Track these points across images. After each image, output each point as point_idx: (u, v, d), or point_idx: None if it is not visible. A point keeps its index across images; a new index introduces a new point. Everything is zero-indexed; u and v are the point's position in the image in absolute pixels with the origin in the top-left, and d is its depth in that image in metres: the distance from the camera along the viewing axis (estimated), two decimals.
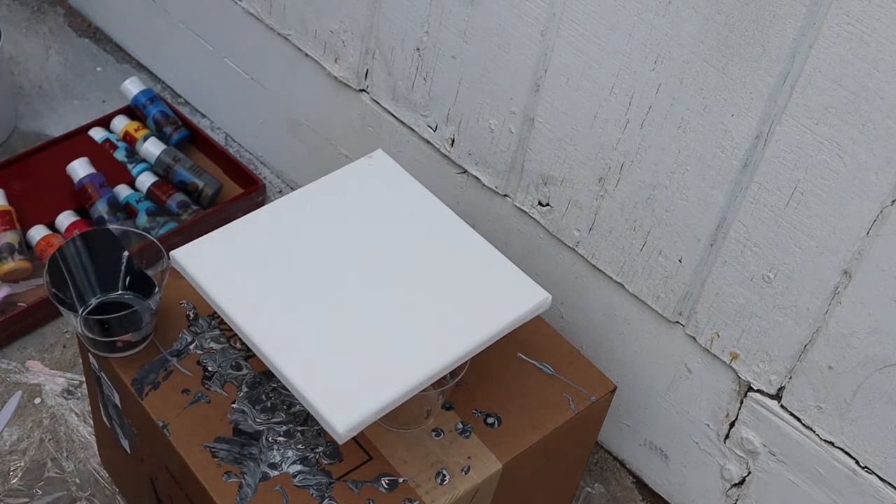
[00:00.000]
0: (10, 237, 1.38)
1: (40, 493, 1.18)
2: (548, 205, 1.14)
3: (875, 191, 0.86)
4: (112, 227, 0.93)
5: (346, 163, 1.08)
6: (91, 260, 0.94)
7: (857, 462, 0.99)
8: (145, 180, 1.48)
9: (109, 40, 1.77)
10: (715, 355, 1.06)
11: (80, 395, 1.27)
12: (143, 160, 1.52)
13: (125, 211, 1.45)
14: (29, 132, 1.61)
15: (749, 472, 1.10)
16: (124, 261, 0.95)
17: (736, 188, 0.95)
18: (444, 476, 0.93)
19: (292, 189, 1.55)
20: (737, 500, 1.13)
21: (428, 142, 1.25)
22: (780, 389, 1.02)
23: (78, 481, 1.19)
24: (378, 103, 1.29)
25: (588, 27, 0.99)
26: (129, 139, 1.55)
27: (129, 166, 1.51)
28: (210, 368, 0.98)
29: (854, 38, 0.81)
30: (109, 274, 0.94)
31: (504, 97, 1.12)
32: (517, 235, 1.20)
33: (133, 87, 1.59)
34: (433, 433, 0.96)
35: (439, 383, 0.91)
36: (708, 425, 1.11)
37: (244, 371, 0.98)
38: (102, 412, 1.07)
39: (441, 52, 1.16)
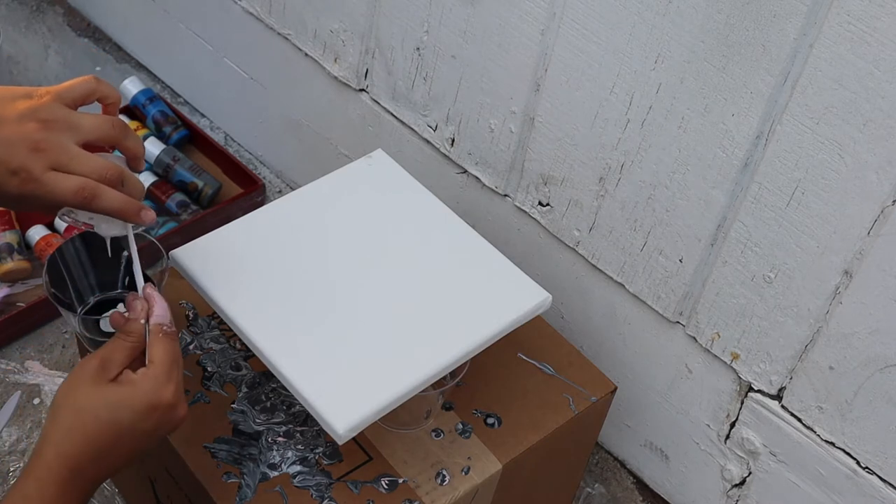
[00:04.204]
0: (10, 237, 1.38)
1: None
2: (548, 205, 1.14)
3: (876, 190, 0.85)
4: None
5: (346, 163, 1.08)
6: (90, 260, 0.94)
7: (857, 462, 0.99)
8: (144, 180, 1.48)
9: (109, 40, 1.76)
10: (715, 355, 1.06)
11: None
12: None
13: None
14: None
15: (750, 473, 1.10)
16: (124, 261, 0.95)
17: (737, 188, 0.95)
18: (444, 476, 0.92)
19: (292, 189, 1.55)
20: (737, 500, 1.13)
21: (428, 142, 1.24)
22: (781, 390, 1.02)
23: None
24: (378, 103, 1.29)
25: (588, 26, 0.99)
26: None
27: None
28: (209, 369, 0.97)
29: (855, 37, 0.81)
30: (109, 274, 0.93)
31: (504, 97, 1.11)
32: (517, 235, 1.20)
33: (132, 86, 1.59)
34: (433, 433, 0.96)
35: (439, 383, 0.91)
36: (708, 425, 1.11)
37: (244, 371, 0.98)
38: None
39: (441, 52, 1.16)
